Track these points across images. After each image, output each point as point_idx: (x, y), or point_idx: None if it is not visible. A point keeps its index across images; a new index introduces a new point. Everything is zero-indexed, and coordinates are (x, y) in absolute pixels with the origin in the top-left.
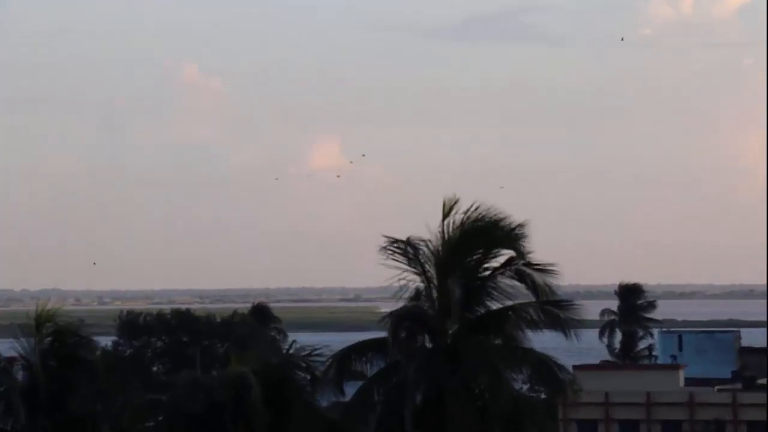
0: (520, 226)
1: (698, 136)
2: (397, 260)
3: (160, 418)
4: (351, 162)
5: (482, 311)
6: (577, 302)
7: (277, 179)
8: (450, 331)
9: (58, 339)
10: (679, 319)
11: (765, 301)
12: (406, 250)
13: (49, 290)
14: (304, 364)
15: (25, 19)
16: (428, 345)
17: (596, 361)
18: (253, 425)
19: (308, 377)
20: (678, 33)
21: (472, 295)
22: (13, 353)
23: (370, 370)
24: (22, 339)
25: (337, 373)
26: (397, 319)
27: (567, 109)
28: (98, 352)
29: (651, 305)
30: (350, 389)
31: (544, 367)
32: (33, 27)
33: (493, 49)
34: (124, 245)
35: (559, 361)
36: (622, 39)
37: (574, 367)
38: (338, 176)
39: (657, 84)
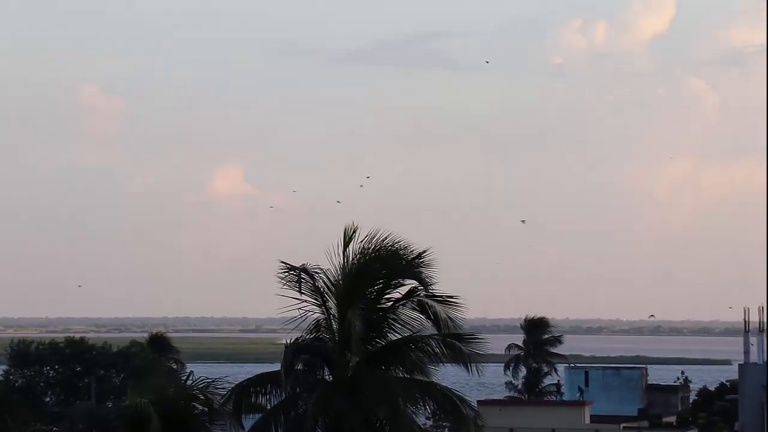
0: (422, 254)
1: (610, 167)
2: (295, 289)
3: None
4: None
5: (383, 343)
6: (481, 336)
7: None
8: (351, 364)
9: None
10: (586, 354)
11: (670, 337)
12: (301, 278)
13: None
14: (202, 396)
15: None
16: (328, 378)
17: (501, 397)
18: None
19: (206, 409)
20: (590, 62)
21: (373, 327)
22: None
23: (270, 403)
24: None
25: (235, 405)
26: (293, 351)
27: (474, 137)
28: None
29: (557, 340)
30: (249, 422)
31: (447, 401)
32: None
33: (399, 75)
34: (17, 270)
35: (463, 396)
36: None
37: (479, 402)
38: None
39: (569, 113)
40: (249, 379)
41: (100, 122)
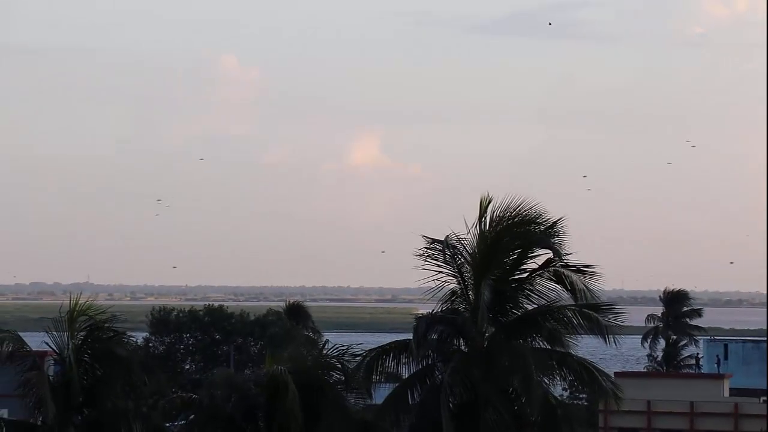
0: (557, 224)
1: (753, 140)
2: (434, 261)
3: (192, 417)
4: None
5: (519, 314)
6: (618, 307)
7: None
8: (486, 335)
9: (92, 334)
10: (726, 327)
11: None
12: (444, 251)
13: (81, 284)
14: (338, 365)
15: (63, 7)
16: (464, 348)
17: (639, 368)
18: (287, 426)
19: (342, 378)
20: (731, 32)
21: (508, 297)
22: (44, 347)
23: (405, 372)
24: (55, 333)
25: (367, 373)
26: (426, 322)
27: (611, 107)
28: (131, 349)
29: (696, 313)
30: (385, 391)
31: (584, 372)
32: (70, 15)
33: (535, 45)
34: (159, 240)
35: (601, 367)
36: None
37: (616, 373)
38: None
39: (708, 84)
40: (382, 346)
41: (237, 92)
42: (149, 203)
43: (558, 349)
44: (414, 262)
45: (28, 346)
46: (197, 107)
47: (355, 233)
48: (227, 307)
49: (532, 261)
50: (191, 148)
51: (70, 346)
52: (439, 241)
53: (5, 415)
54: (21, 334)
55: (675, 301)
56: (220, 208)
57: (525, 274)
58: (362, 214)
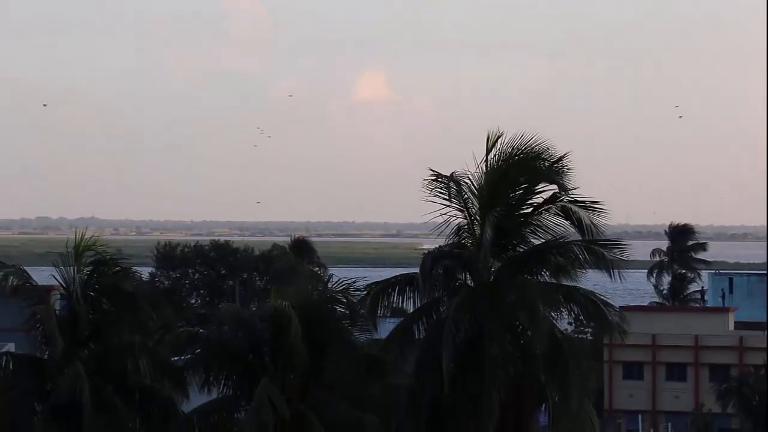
0: (563, 158)
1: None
2: (440, 195)
3: (198, 351)
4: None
5: (525, 248)
6: (624, 242)
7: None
8: (492, 269)
9: (98, 269)
10: (731, 261)
11: None
12: (449, 185)
13: (86, 219)
14: (343, 299)
15: None
16: (469, 283)
17: (644, 303)
18: (293, 360)
19: (347, 312)
20: None
21: (514, 232)
22: (50, 282)
23: (410, 307)
24: (61, 268)
25: (372, 306)
26: (433, 257)
27: (619, 41)
28: (137, 283)
29: (702, 246)
30: (390, 325)
31: (591, 305)
32: None
33: None
34: (163, 175)
35: (607, 300)
36: None
37: (621, 308)
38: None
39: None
40: (386, 280)
41: (244, 27)
42: (154, 138)
43: (564, 283)
44: (419, 196)
45: (33, 280)
46: (202, 41)
47: (360, 168)
48: (232, 242)
49: (538, 196)
50: (197, 82)
51: (76, 281)
52: (445, 176)
53: (12, 349)
54: (27, 268)
55: (680, 235)
56: (226, 142)
57: (530, 209)
58: (368, 149)
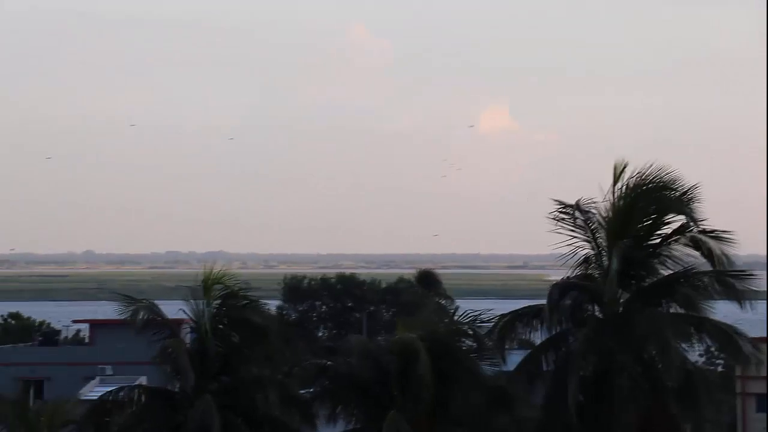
0: (692, 189)
1: None
2: (566, 226)
3: (326, 383)
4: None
5: (654, 279)
6: (755, 272)
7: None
8: (621, 300)
9: (227, 302)
10: None
11: None
12: (575, 215)
13: (215, 252)
14: (470, 331)
15: None
16: (597, 314)
17: None
18: (420, 393)
19: (474, 344)
20: None
21: (642, 263)
22: (180, 315)
23: (537, 339)
24: (191, 301)
25: (499, 338)
26: (560, 288)
27: (742, 69)
28: (267, 316)
29: None
30: (517, 357)
31: (723, 337)
32: None
33: (663, 6)
34: (290, 208)
35: (740, 331)
36: None
37: (753, 339)
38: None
39: None
40: (514, 312)
41: (367, 61)
42: (279, 173)
43: (694, 315)
44: (545, 227)
45: (164, 314)
46: (325, 76)
47: (485, 200)
48: (359, 275)
49: (667, 227)
50: (319, 117)
51: (206, 314)
52: (571, 206)
53: (144, 382)
54: (157, 302)
55: None
56: (351, 177)
57: (659, 240)
58: (492, 180)
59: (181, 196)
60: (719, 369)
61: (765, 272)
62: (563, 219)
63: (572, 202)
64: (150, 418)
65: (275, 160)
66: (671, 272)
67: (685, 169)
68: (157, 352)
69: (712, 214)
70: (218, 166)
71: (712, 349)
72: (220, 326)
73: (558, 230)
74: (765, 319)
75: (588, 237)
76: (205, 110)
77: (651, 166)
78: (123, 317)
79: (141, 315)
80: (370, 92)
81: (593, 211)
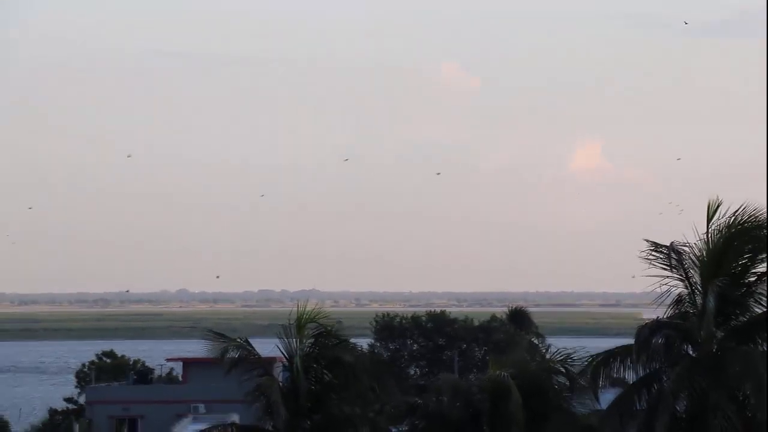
0: None
1: None
2: (660, 266)
3: (417, 422)
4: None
5: (748, 318)
6: None
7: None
8: (715, 339)
9: (319, 341)
10: None
11: None
12: (670, 255)
13: (307, 291)
14: (562, 369)
15: (279, 19)
16: (692, 353)
17: None
18: (511, 430)
19: (566, 382)
20: None
21: (737, 302)
22: (273, 353)
23: (631, 378)
24: (284, 339)
25: (593, 377)
26: (650, 328)
27: None
28: (358, 355)
29: None
30: (610, 396)
31: None
32: (285, 27)
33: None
34: (380, 246)
35: None
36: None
37: None
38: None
39: None
40: (607, 351)
41: (457, 100)
42: (372, 211)
43: None
44: (639, 266)
45: (256, 352)
46: (416, 114)
47: (578, 238)
48: (450, 313)
49: (762, 265)
50: (411, 156)
51: (298, 353)
52: (664, 246)
53: (237, 420)
54: (250, 339)
55: None
56: (442, 214)
57: (754, 278)
58: (586, 219)
59: (273, 236)
60: None
61: None
62: (656, 258)
63: (666, 242)
64: None
65: (368, 197)
66: (765, 311)
67: None
68: (249, 389)
69: None
70: (310, 205)
71: None
72: (314, 365)
73: (651, 270)
74: None
75: (681, 276)
76: (298, 148)
77: (745, 205)
78: (214, 355)
79: (231, 353)
80: (459, 129)
81: (687, 251)
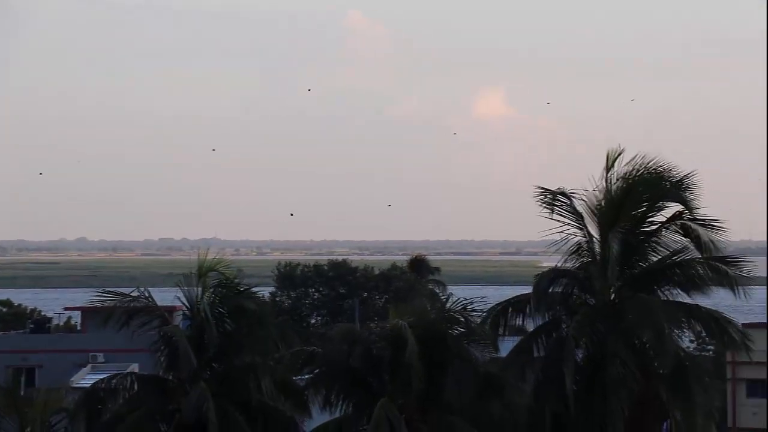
0: (687, 177)
1: None
2: (559, 213)
3: (317, 370)
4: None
5: (645, 266)
6: (747, 258)
7: (455, 134)
8: (612, 288)
9: (221, 290)
10: None
11: None
12: (555, 201)
13: (208, 239)
14: (461, 318)
15: None
16: (590, 301)
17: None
18: (410, 379)
19: (465, 331)
20: None
21: (635, 250)
22: (172, 303)
23: (530, 327)
24: (185, 288)
25: (492, 326)
26: (548, 277)
27: (742, 59)
28: (261, 303)
29: None
30: (510, 344)
31: (713, 323)
32: None
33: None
34: (282, 195)
35: (730, 317)
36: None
37: (744, 324)
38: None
39: None
40: (507, 300)
41: (365, 47)
42: (274, 160)
43: (686, 302)
44: (538, 214)
45: (155, 302)
46: (322, 60)
47: (479, 186)
48: (351, 262)
49: (659, 214)
50: (317, 101)
51: (204, 301)
52: (564, 194)
53: (136, 370)
54: (150, 289)
55: None
56: (345, 162)
57: (652, 227)
58: (486, 167)
59: (172, 183)
60: (710, 355)
61: (765, 259)
62: (556, 206)
63: (567, 190)
64: (143, 404)
65: (272, 146)
66: (661, 259)
67: (682, 156)
68: (153, 339)
69: (708, 202)
70: (211, 155)
71: (704, 335)
72: (217, 313)
73: (549, 217)
74: (758, 306)
75: (580, 224)
76: (204, 100)
77: (644, 155)
78: (113, 304)
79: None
80: (366, 77)
81: (584, 198)
